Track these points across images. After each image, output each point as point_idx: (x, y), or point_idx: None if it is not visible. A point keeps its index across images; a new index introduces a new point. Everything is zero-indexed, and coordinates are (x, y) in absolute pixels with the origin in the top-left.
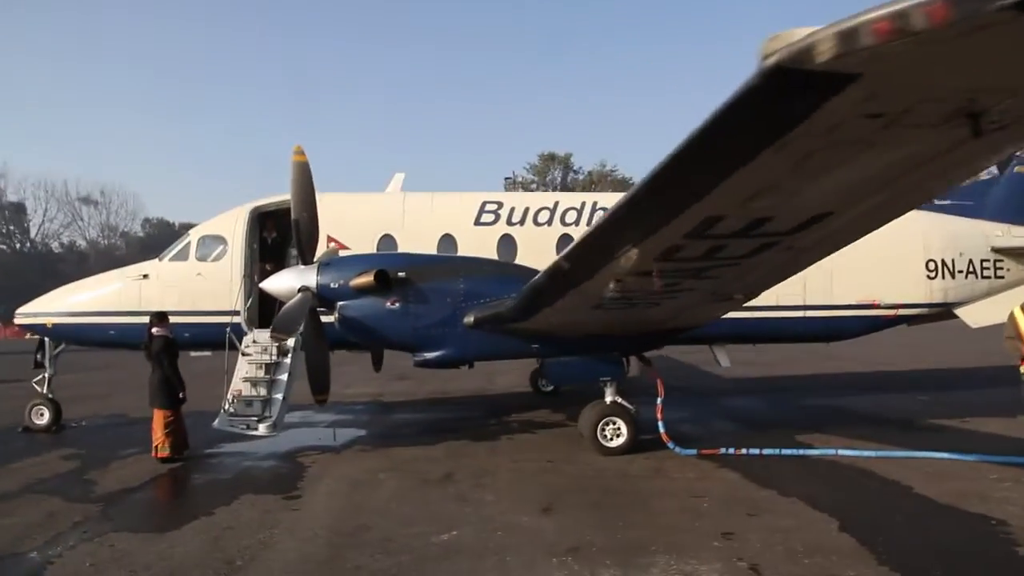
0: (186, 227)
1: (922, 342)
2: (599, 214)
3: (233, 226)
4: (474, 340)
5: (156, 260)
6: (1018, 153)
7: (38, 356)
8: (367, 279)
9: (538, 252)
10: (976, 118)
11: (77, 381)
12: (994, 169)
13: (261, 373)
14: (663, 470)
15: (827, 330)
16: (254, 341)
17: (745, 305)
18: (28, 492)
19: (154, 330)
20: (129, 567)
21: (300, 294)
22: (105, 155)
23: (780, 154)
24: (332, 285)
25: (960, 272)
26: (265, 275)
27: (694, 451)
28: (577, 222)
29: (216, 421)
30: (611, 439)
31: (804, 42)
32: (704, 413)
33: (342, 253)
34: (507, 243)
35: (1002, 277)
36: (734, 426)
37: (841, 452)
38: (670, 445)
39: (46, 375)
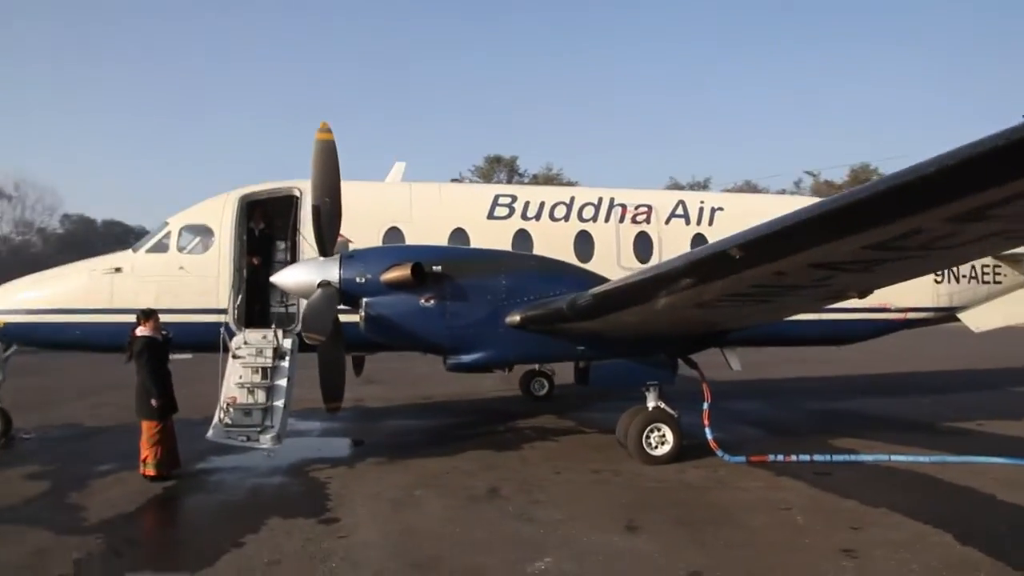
0: (112, 225)
1: (897, 346)
2: (616, 210)
3: (220, 214)
4: (516, 341)
5: (130, 251)
6: None
7: None
8: (402, 273)
9: (555, 248)
10: None
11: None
12: None
13: (258, 378)
14: (723, 479)
15: (839, 333)
16: (245, 342)
17: None
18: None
19: (138, 330)
20: None
21: (321, 289)
22: (19, 146)
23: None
24: (358, 280)
25: (964, 277)
26: (252, 269)
27: (743, 458)
28: (595, 218)
29: (210, 432)
30: (656, 447)
31: None
32: (718, 418)
33: (352, 246)
34: (523, 239)
35: (1000, 282)
36: (756, 431)
37: (894, 458)
38: (719, 453)
39: None
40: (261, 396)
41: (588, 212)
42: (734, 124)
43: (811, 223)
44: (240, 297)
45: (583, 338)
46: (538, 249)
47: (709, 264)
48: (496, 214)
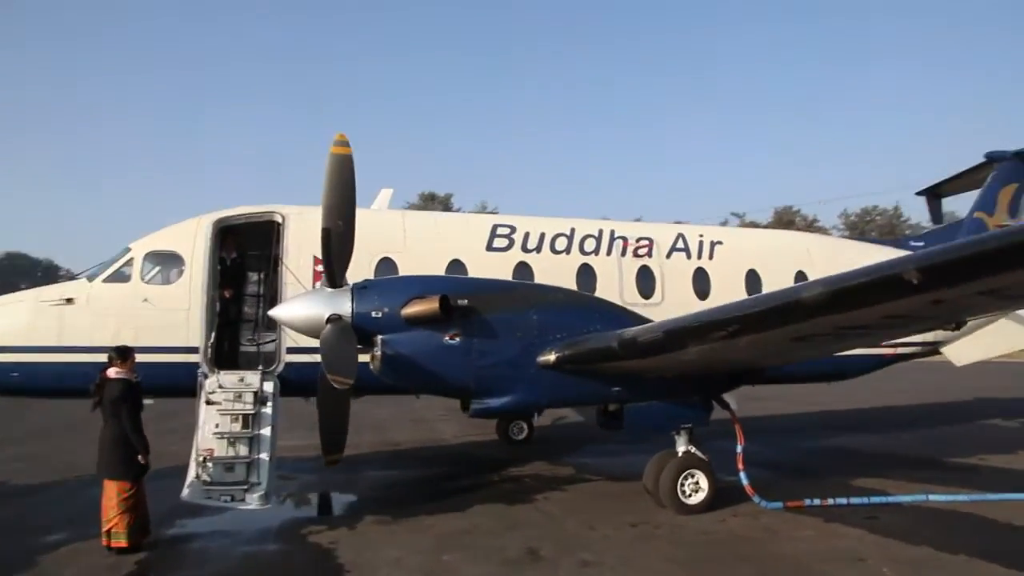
0: (16, 257)
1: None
2: (617, 243)
3: (192, 241)
4: (549, 383)
5: (84, 280)
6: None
7: None
8: (428, 307)
9: (557, 282)
10: None
11: None
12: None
13: (238, 427)
14: (771, 528)
15: (836, 369)
16: (220, 386)
17: None
18: None
19: (111, 371)
20: None
21: (332, 325)
22: None
23: None
24: (374, 314)
25: None
26: (223, 303)
27: (780, 504)
28: (596, 251)
29: (185, 492)
30: (689, 495)
31: None
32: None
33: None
34: (523, 271)
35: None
36: (762, 472)
37: (932, 498)
38: (755, 499)
39: None
40: (243, 448)
41: (589, 244)
42: (666, 165)
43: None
44: (213, 334)
45: (620, 379)
46: (539, 282)
47: (863, 292)
48: (495, 245)
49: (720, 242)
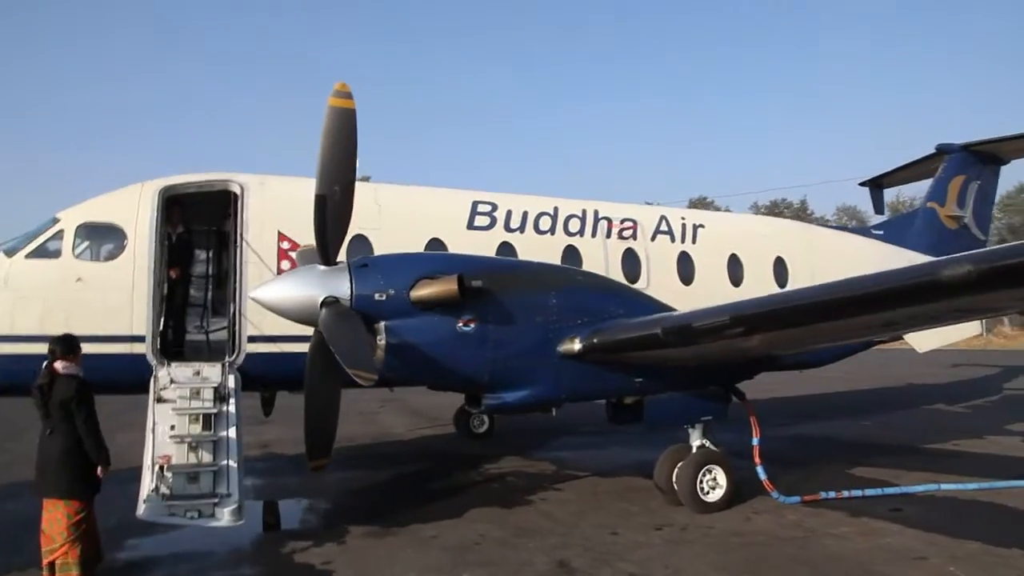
0: None
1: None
2: (602, 224)
3: (135, 211)
4: (571, 375)
5: (1, 255)
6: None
7: None
8: (443, 288)
9: None
10: None
11: None
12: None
13: (198, 428)
14: (804, 526)
15: (810, 358)
16: (173, 381)
17: None
18: None
19: (59, 365)
20: None
21: (328, 309)
22: None
23: None
24: (377, 296)
25: None
26: (171, 285)
27: (797, 499)
28: (581, 232)
29: (142, 509)
30: (708, 492)
31: None
32: None
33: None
34: (507, 252)
35: None
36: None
37: (944, 487)
38: (774, 494)
39: None
40: (207, 454)
41: (574, 225)
42: (581, 154)
43: None
44: (162, 320)
45: (642, 369)
46: None
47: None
48: (477, 223)
49: (702, 225)
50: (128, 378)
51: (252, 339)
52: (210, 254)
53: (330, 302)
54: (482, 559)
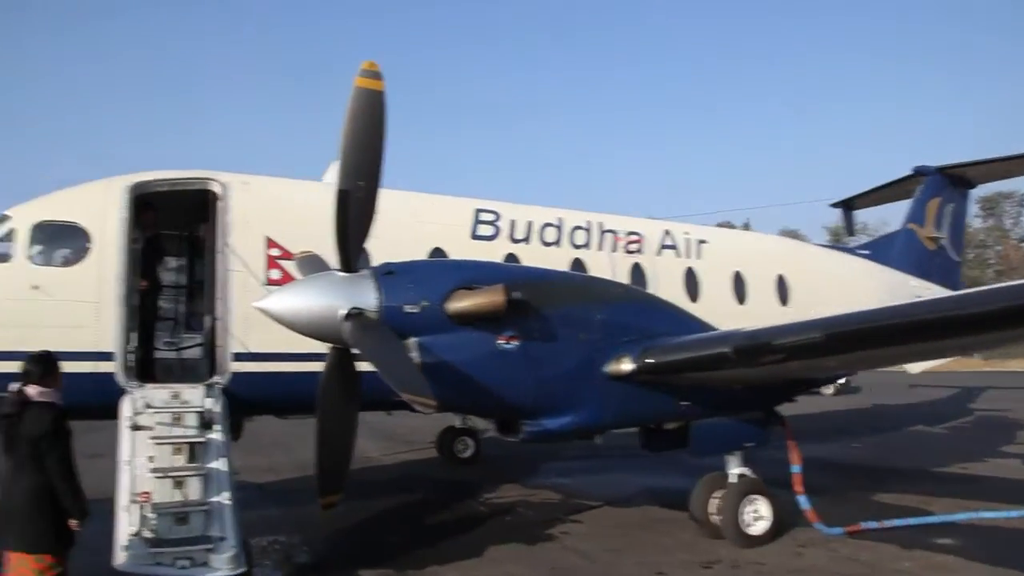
0: None
1: None
2: (608, 237)
3: (101, 209)
4: (617, 398)
5: None
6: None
7: None
8: (489, 300)
9: None
10: None
11: None
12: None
13: (182, 459)
14: (866, 561)
15: (832, 376)
16: (149, 406)
17: None
18: None
19: (32, 391)
20: None
21: (355, 321)
22: None
23: None
24: (408, 308)
25: None
26: (141, 296)
27: (840, 530)
28: (587, 244)
29: (123, 556)
30: (750, 524)
31: None
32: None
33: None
34: None
35: None
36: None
37: (983, 515)
38: (817, 525)
39: None
40: (194, 490)
41: (580, 237)
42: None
43: None
44: (133, 335)
45: (690, 392)
46: None
47: None
48: (480, 233)
49: (705, 240)
50: (94, 401)
51: (240, 357)
52: (182, 262)
53: (354, 314)
54: None
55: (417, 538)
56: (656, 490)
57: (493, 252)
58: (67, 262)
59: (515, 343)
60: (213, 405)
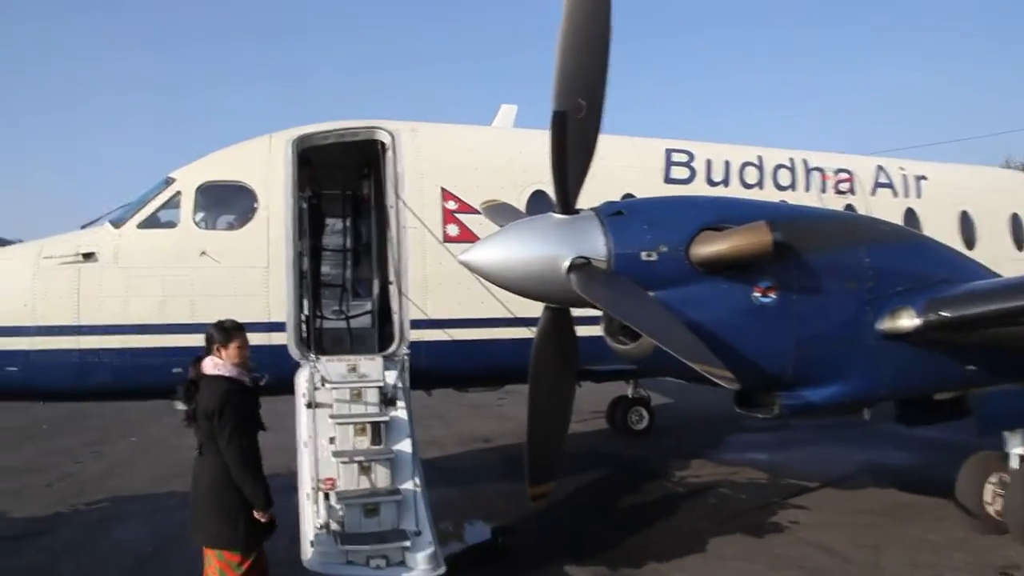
0: None
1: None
2: (814, 176)
3: (265, 167)
4: (892, 362)
5: (106, 226)
6: None
7: None
8: (752, 241)
9: None
10: None
11: None
12: None
13: (365, 442)
14: None
15: None
16: (325, 382)
17: None
18: None
19: (207, 363)
20: None
21: (581, 273)
22: None
23: None
24: (645, 255)
25: None
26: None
27: None
28: (792, 185)
29: (311, 554)
30: None
31: None
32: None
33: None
34: None
35: None
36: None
37: None
38: None
39: None
40: (383, 476)
41: (784, 177)
42: None
43: None
44: (306, 303)
45: (978, 355)
46: None
47: None
48: (674, 176)
49: (924, 177)
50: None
51: (415, 324)
52: (346, 223)
53: (578, 264)
54: None
55: (619, 526)
56: (881, 468)
57: None
58: (234, 225)
59: (773, 295)
60: (395, 379)
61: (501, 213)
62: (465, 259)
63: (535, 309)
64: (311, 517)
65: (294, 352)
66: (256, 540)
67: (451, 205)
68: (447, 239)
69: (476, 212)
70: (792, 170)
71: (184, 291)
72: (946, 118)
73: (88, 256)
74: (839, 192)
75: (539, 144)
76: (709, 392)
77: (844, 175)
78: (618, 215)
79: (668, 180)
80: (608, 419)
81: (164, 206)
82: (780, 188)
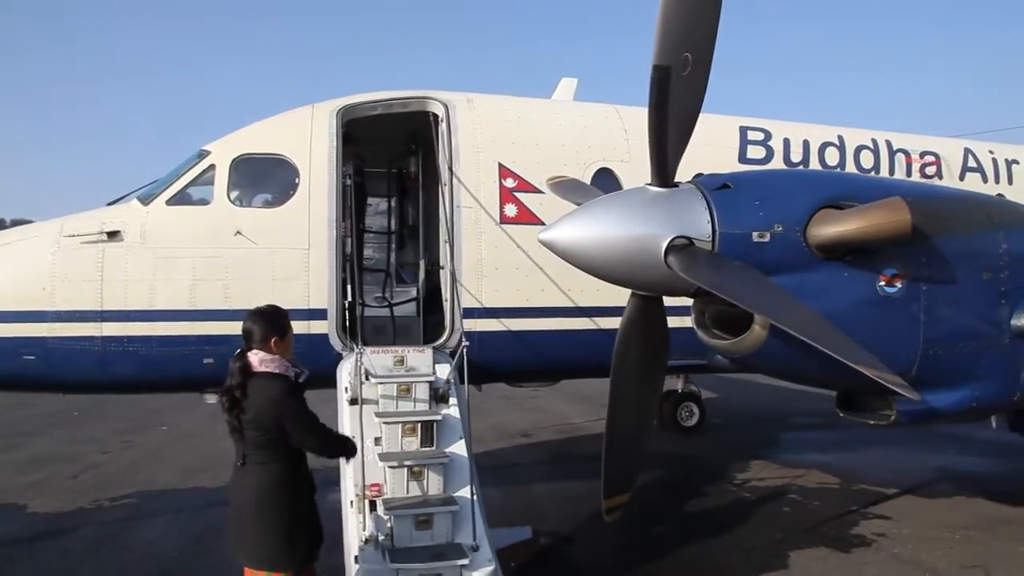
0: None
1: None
2: (899, 158)
3: (307, 139)
4: None
5: (134, 202)
6: None
7: None
8: (886, 220)
9: None
10: None
11: None
12: None
13: (415, 443)
14: None
15: None
16: (369, 376)
17: None
18: None
19: (253, 358)
20: None
21: (682, 255)
22: None
23: None
24: (756, 236)
25: None
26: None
27: None
28: (876, 167)
29: (355, 573)
30: None
31: None
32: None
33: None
34: None
35: None
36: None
37: None
38: None
39: None
40: (435, 482)
41: (867, 159)
42: None
43: None
44: (350, 288)
45: None
46: None
47: None
48: (750, 155)
49: (1016, 161)
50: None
51: (468, 313)
52: (391, 203)
53: (679, 244)
54: None
55: (685, 533)
56: (960, 475)
57: None
58: (272, 203)
59: (899, 285)
60: (442, 372)
61: (572, 190)
62: (545, 238)
63: (598, 298)
64: (355, 529)
65: (336, 342)
66: (308, 559)
67: (509, 183)
68: (504, 220)
69: (536, 191)
70: (875, 151)
71: (217, 274)
72: None
73: (113, 235)
74: (925, 176)
75: (603, 119)
76: (754, 387)
77: (930, 158)
78: (724, 188)
79: (743, 160)
80: (658, 415)
81: (196, 181)
82: (862, 170)
